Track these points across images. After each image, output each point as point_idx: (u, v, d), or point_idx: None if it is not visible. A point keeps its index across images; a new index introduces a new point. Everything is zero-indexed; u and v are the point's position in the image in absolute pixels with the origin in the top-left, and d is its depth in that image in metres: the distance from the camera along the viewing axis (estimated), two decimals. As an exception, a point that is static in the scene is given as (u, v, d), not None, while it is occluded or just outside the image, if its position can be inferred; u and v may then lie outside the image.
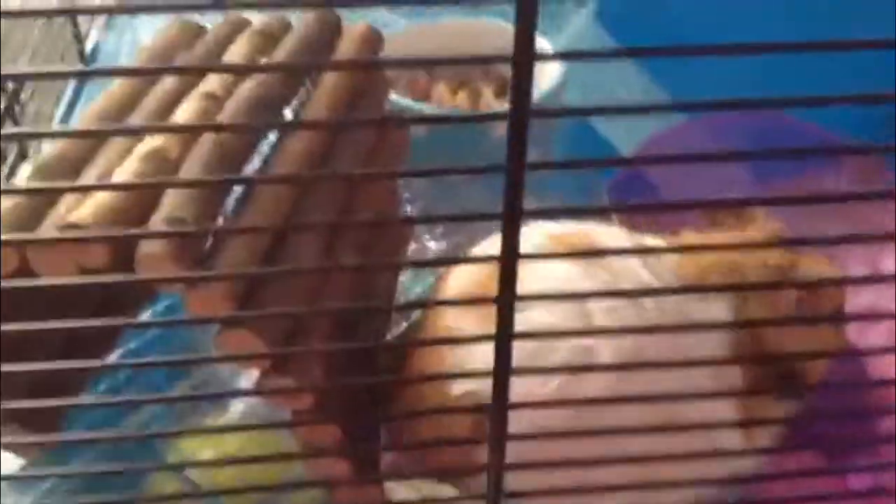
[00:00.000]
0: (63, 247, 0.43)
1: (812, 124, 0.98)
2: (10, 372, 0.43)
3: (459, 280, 0.56)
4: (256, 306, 0.45)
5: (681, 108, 0.35)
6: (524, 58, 0.30)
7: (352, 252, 0.53)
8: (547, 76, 0.85)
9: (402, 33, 0.91)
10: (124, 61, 1.01)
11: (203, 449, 0.60)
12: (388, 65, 0.57)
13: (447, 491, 0.52)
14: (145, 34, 1.04)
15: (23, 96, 0.83)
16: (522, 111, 0.30)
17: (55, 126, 0.86)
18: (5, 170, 0.77)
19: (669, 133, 0.93)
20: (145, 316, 0.67)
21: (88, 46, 1.04)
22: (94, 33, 1.06)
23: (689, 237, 0.60)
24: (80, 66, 0.93)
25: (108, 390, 0.63)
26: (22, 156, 0.81)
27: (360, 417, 0.51)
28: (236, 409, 0.66)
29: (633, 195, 0.88)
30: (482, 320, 0.47)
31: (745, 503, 0.58)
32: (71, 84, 0.95)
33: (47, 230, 0.45)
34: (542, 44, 0.90)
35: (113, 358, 0.63)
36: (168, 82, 0.55)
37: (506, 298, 0.36)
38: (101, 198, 0.45)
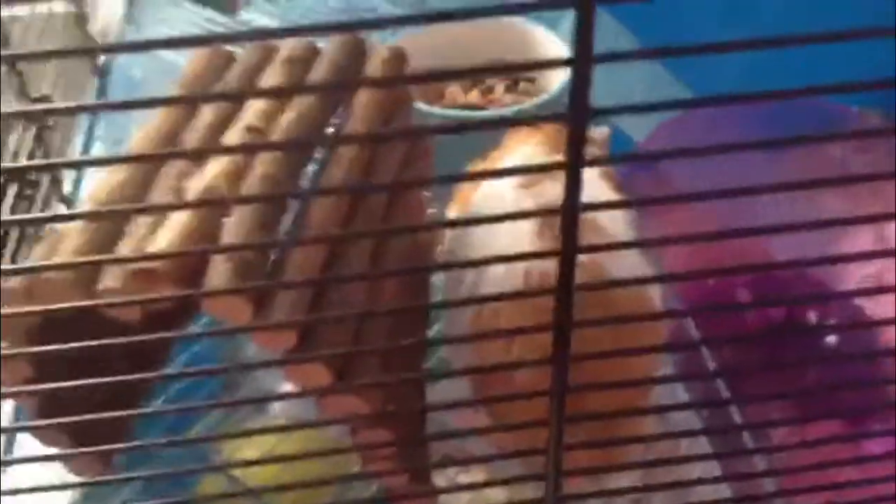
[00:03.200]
0: (133, 287, 0.46)
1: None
2: (78, 393, 0.47)
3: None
4: (317, 331, 0.47)
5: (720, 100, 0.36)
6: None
7: (395, 259, 0.55)
8: (559, 76, 0.88)
9: (419, 35, 0.93)
10: (138, 74, 1.03)
11: (248, 449, 0.63)
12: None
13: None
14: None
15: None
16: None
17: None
18: (39, 204, 0.79)
19: (677, 120, 0.96)
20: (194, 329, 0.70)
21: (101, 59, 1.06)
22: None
23: None
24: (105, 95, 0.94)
25: (165, 403, 0.65)
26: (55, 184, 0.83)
27: (414, 424, 0.54)
28: (274, 411, 0.69)
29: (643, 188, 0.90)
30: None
31: (770, 472, 0.62)
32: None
33: (115, 271, 0.47)
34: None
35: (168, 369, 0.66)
36: (206, 116, 0.57)
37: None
38: (164, 238, 0.47)
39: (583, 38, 0.31)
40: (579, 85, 0.32)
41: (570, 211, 0.36)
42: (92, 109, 0.81)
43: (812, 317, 0.87)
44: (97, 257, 0.46)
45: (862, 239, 0.86)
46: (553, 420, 0.42)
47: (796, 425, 0.66)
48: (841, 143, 1.08)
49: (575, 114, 0.33)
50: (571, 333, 0.39)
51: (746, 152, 0.37)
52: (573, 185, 0.35)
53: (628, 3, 0.89)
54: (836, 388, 0.53)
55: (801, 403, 0.68)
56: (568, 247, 0.37)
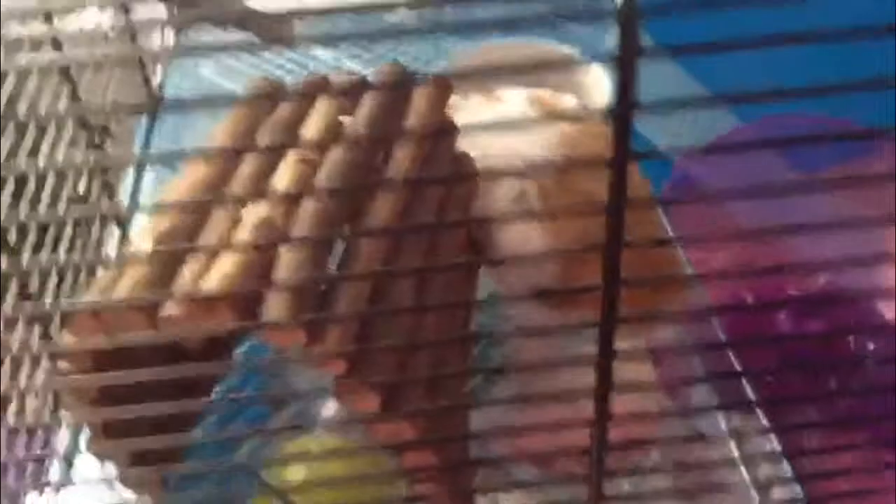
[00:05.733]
0: (192, 316, 0.48)
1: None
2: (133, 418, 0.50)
3: None
4: (367, 355, 0.49)
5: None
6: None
7: (439, 286, 0.58)
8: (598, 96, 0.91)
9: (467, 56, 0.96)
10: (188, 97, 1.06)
11: (295, 469, 0.65)
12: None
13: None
14: (207, 71, 1.09)
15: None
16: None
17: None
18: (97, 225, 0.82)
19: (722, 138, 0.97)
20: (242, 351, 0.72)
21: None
22: (158, 73, 1.10)
23: None
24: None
25: (216, 424, 0.68)
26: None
27: (458, 446, 0.56)
28: (319, 429, 0.71)
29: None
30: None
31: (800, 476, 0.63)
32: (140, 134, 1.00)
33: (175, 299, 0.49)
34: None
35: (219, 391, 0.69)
36: (261, 144, 0.59)
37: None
38: (223, 267, 0.49)
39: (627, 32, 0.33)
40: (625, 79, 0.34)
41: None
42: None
43: (851, 341, 0.87)
44: (160, 293, 0.49)
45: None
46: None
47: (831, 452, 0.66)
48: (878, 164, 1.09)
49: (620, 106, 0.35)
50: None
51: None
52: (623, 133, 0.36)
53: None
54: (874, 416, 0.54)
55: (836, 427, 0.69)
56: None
